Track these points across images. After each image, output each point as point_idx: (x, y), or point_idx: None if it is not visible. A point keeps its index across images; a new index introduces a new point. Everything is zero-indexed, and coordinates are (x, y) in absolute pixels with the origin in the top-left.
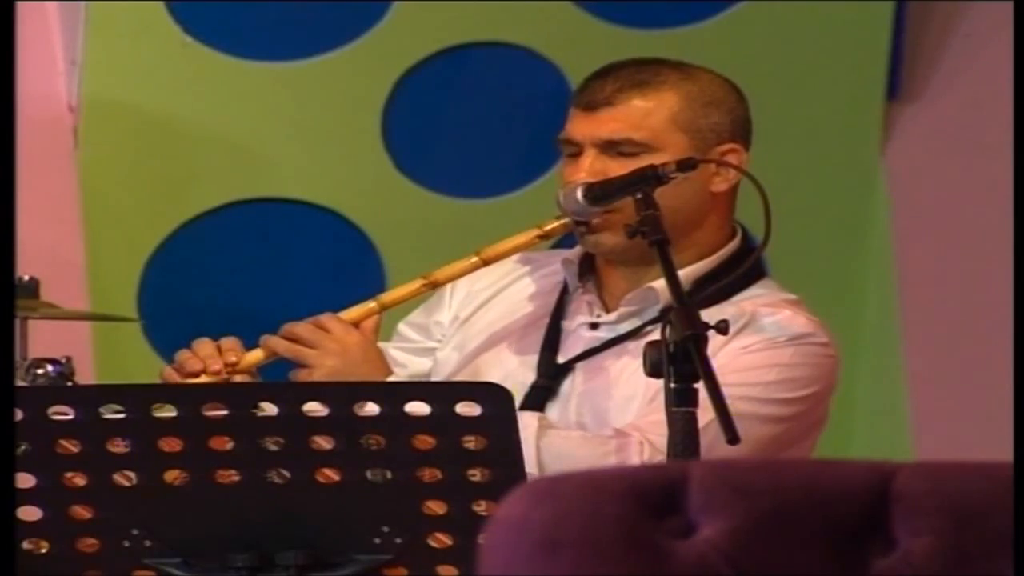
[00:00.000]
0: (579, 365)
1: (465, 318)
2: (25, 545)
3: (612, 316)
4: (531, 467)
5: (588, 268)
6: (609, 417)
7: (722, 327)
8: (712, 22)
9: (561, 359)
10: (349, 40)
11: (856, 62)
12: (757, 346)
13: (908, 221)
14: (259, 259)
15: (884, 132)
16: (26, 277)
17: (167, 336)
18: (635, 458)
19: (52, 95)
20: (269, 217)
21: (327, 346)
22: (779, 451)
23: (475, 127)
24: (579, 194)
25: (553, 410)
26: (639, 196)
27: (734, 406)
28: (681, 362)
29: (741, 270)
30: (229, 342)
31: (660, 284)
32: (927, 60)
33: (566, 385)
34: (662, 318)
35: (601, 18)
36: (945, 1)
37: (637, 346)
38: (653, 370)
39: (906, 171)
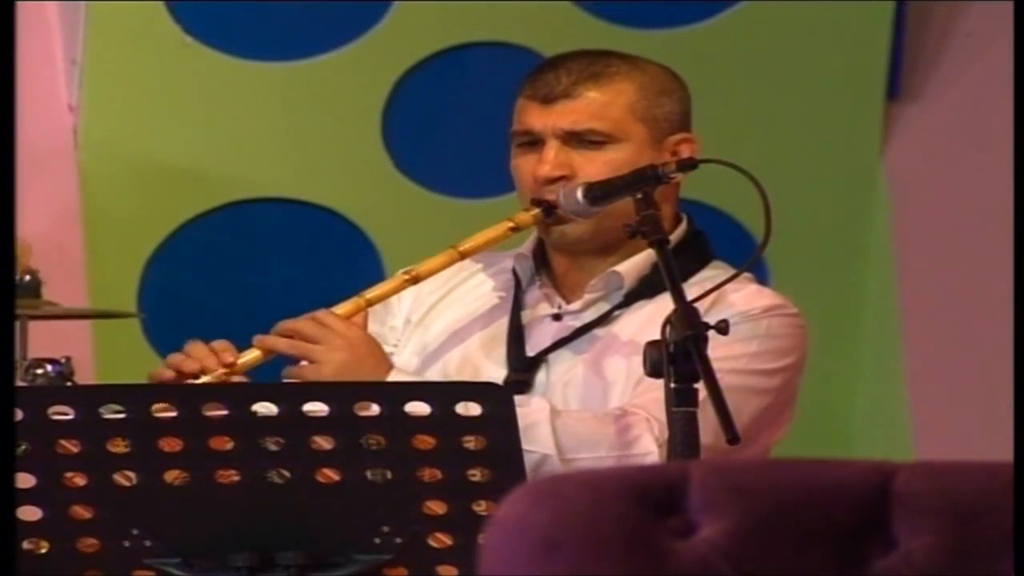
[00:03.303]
0: (551, 356)
1: (418, 321)
2: (25, 545)
3: (576, 305)
4: (546, 448)
5: (541, 261)
6: (594, 403)
7: (722, 327)
8: (712, 22)
9: (530, 352)
10: (349, 40)
11: (856, 62)
12: (733, 320)
13: (908, 221)
14: (259, 259)
15: (884, 132)
16: (27, 277)
17: (167, 336)
18: (646, 434)
19: (52, 95)
20: (269, 217)
21: (333, 341)
22: (765, 426)
23: (475, 127)
24: (579, 194)
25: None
26: (639, 196)
27: (723, 380)
28: (681, 362)
29: (745, 266)
30: (222, 344)
31: (624, 268)
32: (927, 60)
33: (540, 377)
34: (629, 302)
35: (601, 18)
36: (945, 1)
37: (607, 332)
38: (653, 370)
39: (906, 171)
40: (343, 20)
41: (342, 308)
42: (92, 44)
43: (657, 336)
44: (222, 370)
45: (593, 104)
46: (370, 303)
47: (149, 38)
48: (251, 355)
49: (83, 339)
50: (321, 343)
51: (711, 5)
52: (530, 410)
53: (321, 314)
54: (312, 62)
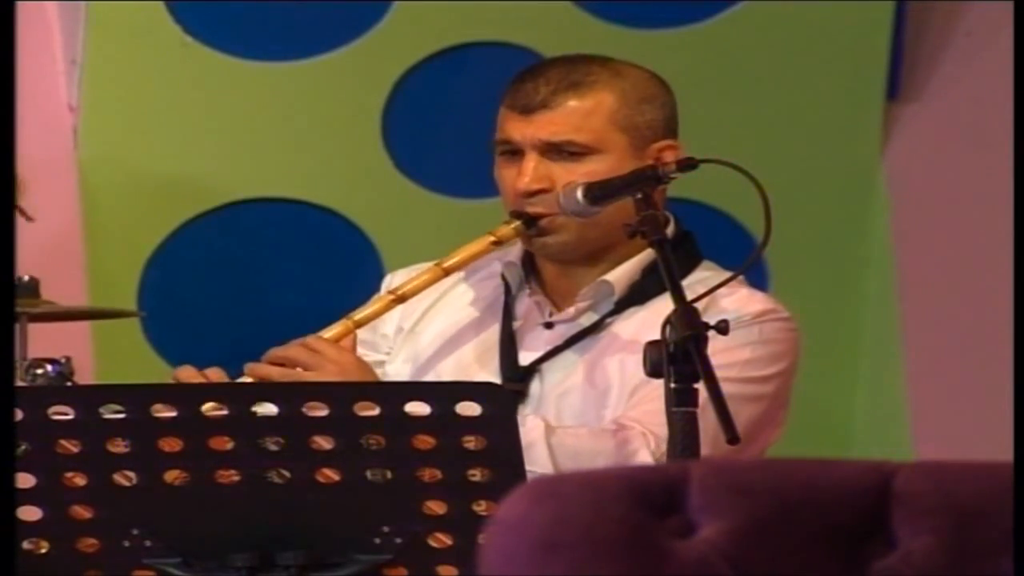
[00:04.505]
0: (545, 365)
1: (409, 329)
2: (25, 545)
3: (568, 313)
4: (544, 468)
5: (530, 269)
6: (588, 412)
7: (723, 327)
8: (712, 22)
9: (523, 360)
10: (349, 40)
11: (856, 62)
12: (721, 320)
13: (908, 221)
14: (259, 259)
15: (884, 132)
16: (26, 277)
17: (167, 336)
18: (643, 449)
19: (52, 95)
20: (269, 217)
21: (325, 367)
22: (760, 432)
23: (475, 127)
24: (579, 194)
25: (526, 412)
26: (639, 196)
27: None
28: (681, 362)
29: (745, 266)
30: (215, 372)
31: (614, 276)
32: (927, 60)
33: (534, 386)
34: (620, 310)
35: (601, 18)
36: (945, 1)
37: (600, 340)
38: (653, 370)
39: (906, 171)
40: (343, 20)
41: (331, 331)
42: (92, 44)
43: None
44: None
45: (573, 115)
46: (358, 325)
47: (149, 38)
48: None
49: (83, 339)
50: (313, 370)
51: (711, 5)
52: (525, 430)
53: (311, 340)
54: (312, 62)
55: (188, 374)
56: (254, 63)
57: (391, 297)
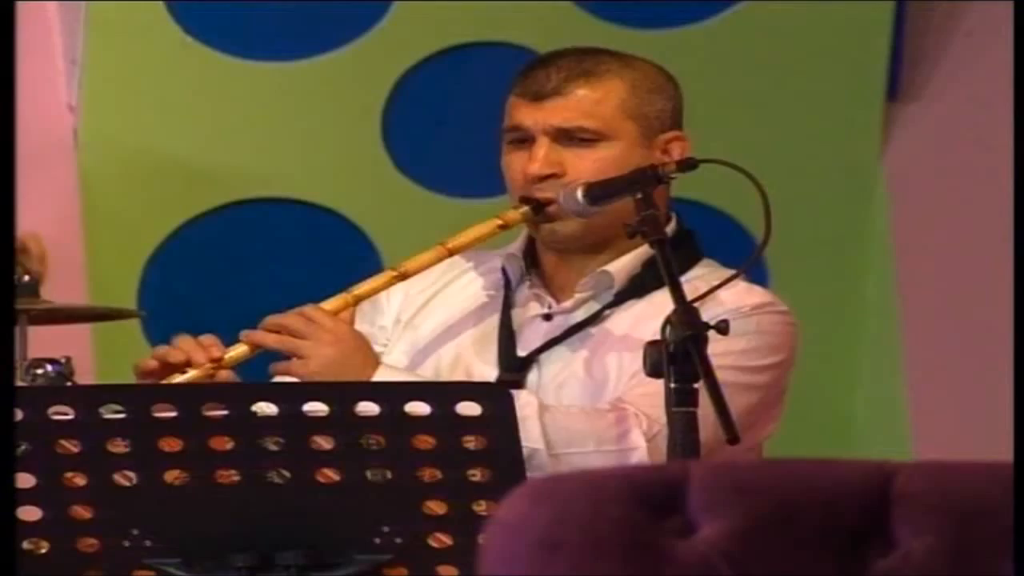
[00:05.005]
0: (543, 356)
1: (407, 321)
2: (25, 545)
3: (567, 304)
4: (536, 443)
5: (531, 262)
6: (586, 404)
7: (722, 327)
8: (712, 22)
9: (521, 352)
10: (349, 40)
11: (856, 62)
12: (723, 318)
13: (908, 221)
14: (259, 259)
15: (884, 132)
16: (26, 277)
17: (167, 336)
18: (635, 429)
19: (52, 95)
20: (269, 217)
21: (320, 336)
22: (754, 423)
23: (475, 127)
24: (579, 194)
25: None
26: (639, 196)
27: None
28: (681, 362)
29: (745, 266)
30: (209, 339)
31: (614, 267)
32: (927, 60)
33: (532, 377)
34: (619, 301)
35: (601, 18)
36: (945, 1)
37: (599, 331)
38: (653, 370)
39: (906, 171)
40: (343, 20)
41: (330, 304)
42: (92, 44)
43: (647, 334)
44: (209, 364)
45: (584, 102)
46: (358, 299)
47: (149, 38)
48: (238, 350)
49: (83, 339)
50: (308, 338)
51: (711, 5)
52: (518, 405)
53: (308, 309)
54: (312, 62)
55: (184, 340)
56: (254, 63)
57: (393, 273)
